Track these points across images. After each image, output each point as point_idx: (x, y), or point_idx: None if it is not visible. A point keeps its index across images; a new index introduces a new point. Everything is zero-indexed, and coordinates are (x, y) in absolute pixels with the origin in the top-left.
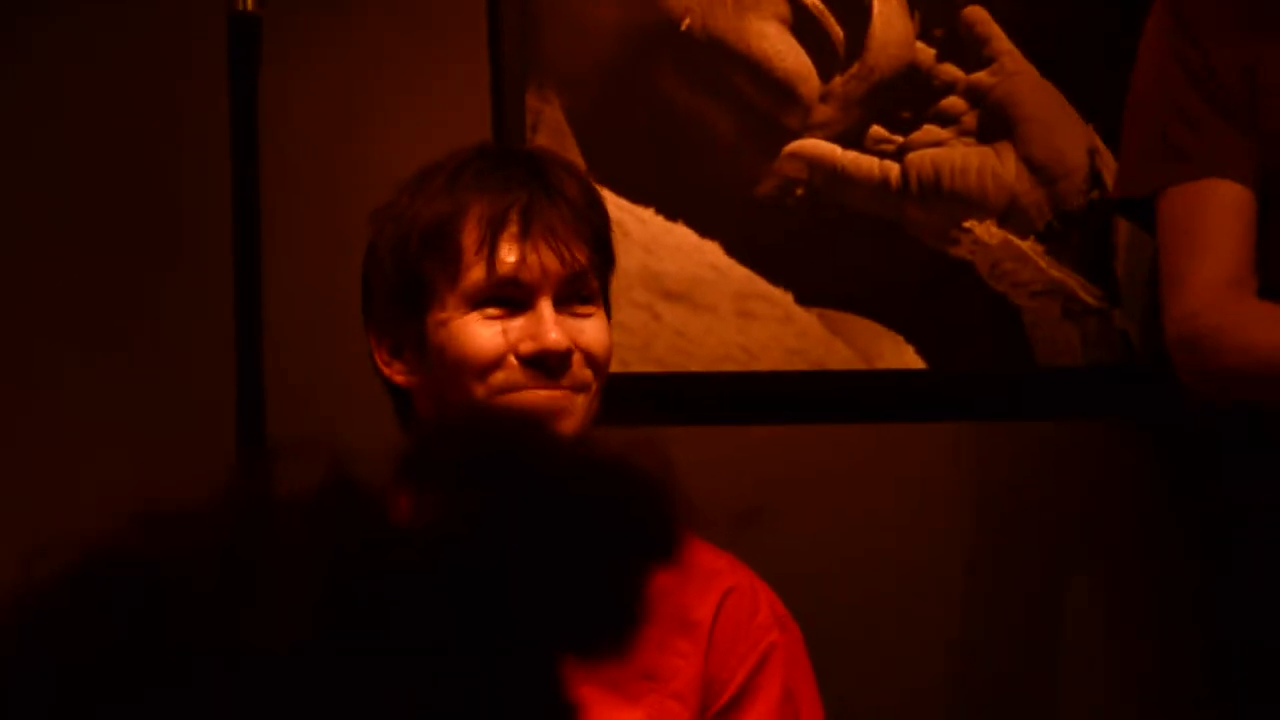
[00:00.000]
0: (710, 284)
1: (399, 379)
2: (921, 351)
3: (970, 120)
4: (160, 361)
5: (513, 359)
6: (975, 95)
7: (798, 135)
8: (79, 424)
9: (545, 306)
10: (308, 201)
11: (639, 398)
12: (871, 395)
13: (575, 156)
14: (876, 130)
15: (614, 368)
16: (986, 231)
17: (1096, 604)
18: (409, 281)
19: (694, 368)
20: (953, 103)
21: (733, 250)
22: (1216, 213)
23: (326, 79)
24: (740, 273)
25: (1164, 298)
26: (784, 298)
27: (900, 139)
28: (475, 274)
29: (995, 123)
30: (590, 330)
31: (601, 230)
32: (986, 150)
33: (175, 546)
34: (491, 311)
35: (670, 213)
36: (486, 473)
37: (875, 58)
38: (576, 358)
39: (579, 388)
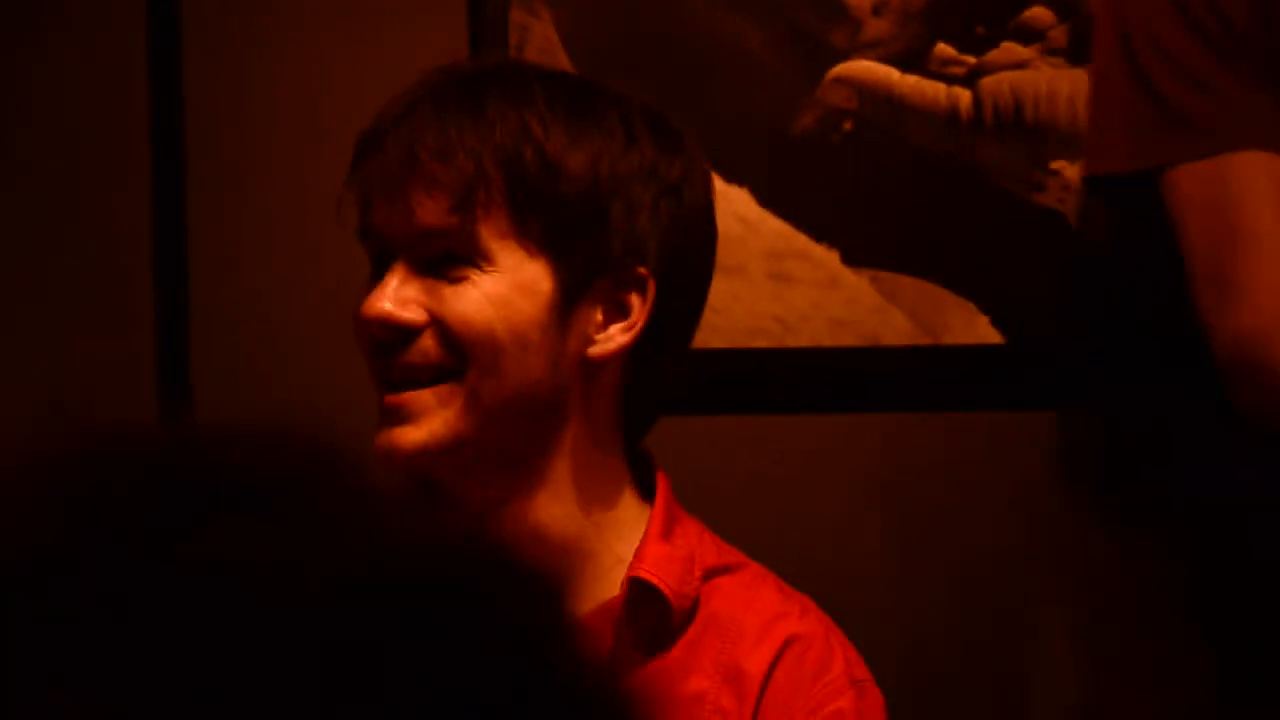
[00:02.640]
0: (737, 240)
1: None
2: (998, 323)
3: (1059, 36)
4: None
5: None
6: (1065, 4)
7: (846, 56)
8: None
9: (394, 269)
10: (250, 136)
11: None
12: (936, 376)
13: None
14: (943, 49)
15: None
16: (1079, 174)
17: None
18: None
19: (717, 343)
20: (1037, 14)
21: (765, 199)
22: (1266, 197)
23: None
24: (774, 226)
25: (1209, 306)
26: (828, 257)
27: (972, 60)
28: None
29: (1090, 38)
30: (458, 300)
31: (519, 173)
32: (1079, 73)
33: None
34: (375, 274)
35: None
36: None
37: None
38: (427, 336)
39: (434, 375)
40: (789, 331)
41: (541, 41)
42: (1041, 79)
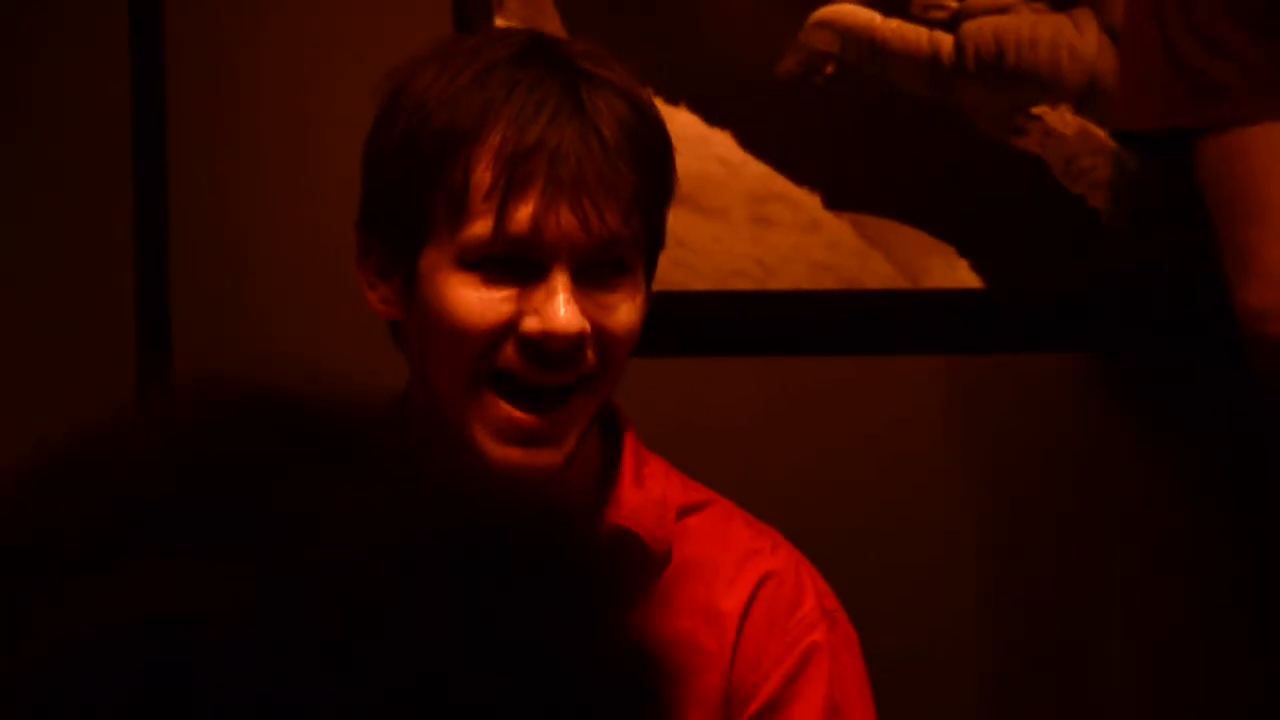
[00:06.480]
0: (719, 183)
1: (380, 306)
2: (978, 267)
3: None
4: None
5: (514, 337)
6: None
7: (828, 0)
8: None
9: (560, 279)
10: (228, 100)
11: None
12: (916, 320)
13: (554, 28)
14: None
15: None
16: (1060, 119)
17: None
18: (408, 201)
19: (698, 286)
20: None
21: (747, 141)
22: None
23: None
24: (756, 169)
25: (1232, 278)
26: (810, 200)
27: (954, 4)
28: (479, 227)
29: None
30: (619, 310)
31: (652, 179)
32: (1061, 18)
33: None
34: (493, 275)
35: (670, 95)
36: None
37: None
38: (586, 346)
39: (584, 381)
40: (770, 274)
41: None
42: (1023, 24)
